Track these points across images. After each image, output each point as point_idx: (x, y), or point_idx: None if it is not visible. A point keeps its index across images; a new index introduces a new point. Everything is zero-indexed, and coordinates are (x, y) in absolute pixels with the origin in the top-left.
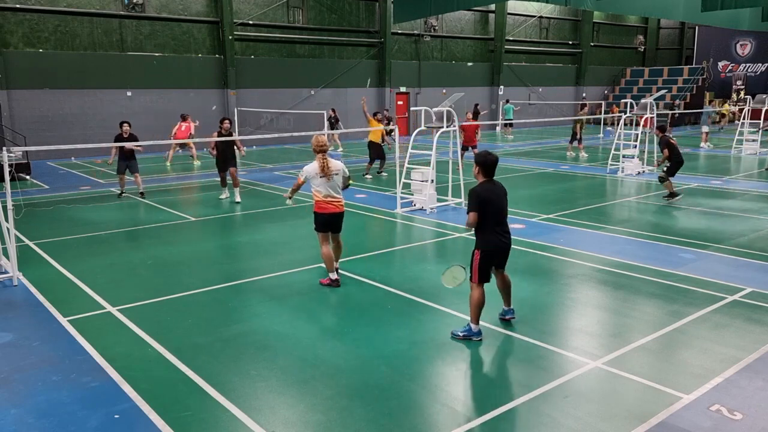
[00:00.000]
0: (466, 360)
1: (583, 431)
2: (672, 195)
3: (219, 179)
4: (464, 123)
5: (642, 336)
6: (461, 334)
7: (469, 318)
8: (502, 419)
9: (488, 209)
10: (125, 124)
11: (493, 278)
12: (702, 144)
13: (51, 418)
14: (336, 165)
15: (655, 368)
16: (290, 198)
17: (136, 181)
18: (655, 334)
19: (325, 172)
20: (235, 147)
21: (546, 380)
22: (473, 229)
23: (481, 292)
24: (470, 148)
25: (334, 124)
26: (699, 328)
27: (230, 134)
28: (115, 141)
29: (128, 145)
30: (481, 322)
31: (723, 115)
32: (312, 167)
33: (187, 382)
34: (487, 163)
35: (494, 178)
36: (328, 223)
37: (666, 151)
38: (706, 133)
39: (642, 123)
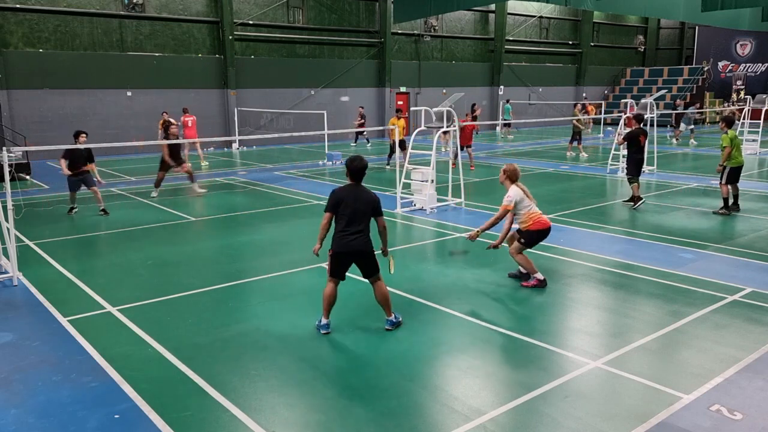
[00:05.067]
0: (466, 360)
1: (583, 431)
2: (638, 199)
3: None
4: (462, 123)
5: (642, 336)
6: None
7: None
8: (502, 419)
9: (341, 211)
10: (82, 135)
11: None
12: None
13: (51, 418)
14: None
15: (655, 368)
16: (477, 235)
17: (96, 197)
18: (655, 334)
19: (528, 195)
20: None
21: (546, 380)
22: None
23: (330, 286)
24: (465, 148)
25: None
26: (699, 328)
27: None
28: (67, 153)
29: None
30: (480, 322)
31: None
32: (517, 193)
33: (187, 382)
34: (351, 169)
35: (362, 183)
36: (544, 237)
37: (623, 141)
38: (684, 131)
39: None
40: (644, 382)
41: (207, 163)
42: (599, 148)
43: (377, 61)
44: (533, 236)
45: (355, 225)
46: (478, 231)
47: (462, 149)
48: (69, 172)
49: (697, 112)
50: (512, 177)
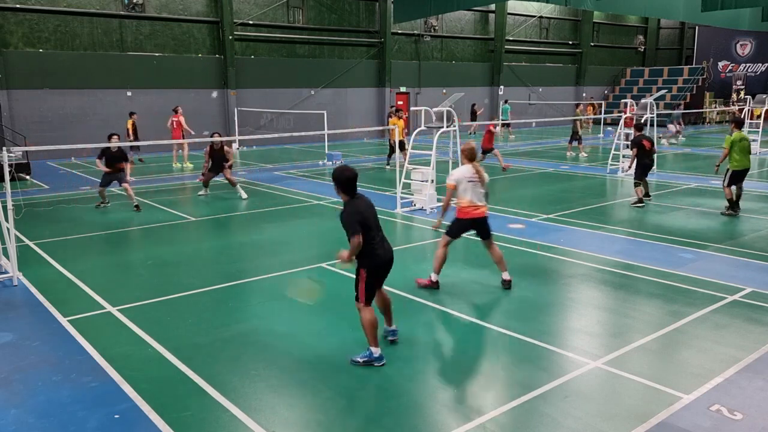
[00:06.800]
0: (466, 360)
1: (583, 431)
2: (639, 201)
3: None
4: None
5: (642, 336)
6: (361, 360)
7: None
8: (502, 419)
9: (369, 225)
10: (114, 136)
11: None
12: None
13: (51, 418)
14: (485, 175)
15: (655, 368)
16: (440, 223)
17: (127, 193)
18: (655, 334)
19: (480, 177)
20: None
21: (546, 380)
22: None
23: (371, 311)
24: (489, 151)
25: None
26: (699, 328)
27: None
28: (102, 154)
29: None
30: (481, 322)
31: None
32: (459, 172)
33: (187, 382)
34: (341, 180)
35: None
36: (468, 227)
37: (634, 150)
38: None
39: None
40: (644, 382)
41: (179, 165)
42: (599, 148)
43: (377, 61)
44: (452, 225)
45: (381, 232)
46: (438, 219)
47: (484, 153)
48: (107, 169)
49: (684, 112)
50: (468, 156)
